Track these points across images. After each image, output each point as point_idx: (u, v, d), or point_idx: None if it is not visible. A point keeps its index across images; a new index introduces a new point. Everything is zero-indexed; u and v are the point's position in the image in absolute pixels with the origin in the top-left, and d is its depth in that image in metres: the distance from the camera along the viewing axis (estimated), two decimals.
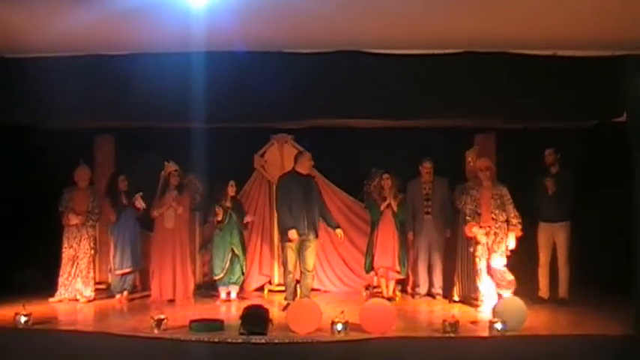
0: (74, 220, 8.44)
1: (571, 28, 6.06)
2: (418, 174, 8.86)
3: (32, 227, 8.94)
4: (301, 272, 8.04)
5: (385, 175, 8.67)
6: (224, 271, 8.60)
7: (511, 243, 7.82)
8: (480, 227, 7.82)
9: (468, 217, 7.95)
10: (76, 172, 8.62)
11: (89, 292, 8.49)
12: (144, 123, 8.14)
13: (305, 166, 8.06)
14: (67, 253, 8.48)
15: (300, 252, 7.91)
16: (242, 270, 8.73)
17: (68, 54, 6.64)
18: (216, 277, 8.70)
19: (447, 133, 9.09)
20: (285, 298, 8.03)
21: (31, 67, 6.71)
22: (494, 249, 7.77)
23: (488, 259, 7.78)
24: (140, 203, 8.58)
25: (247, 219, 8.88)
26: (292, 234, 7.72)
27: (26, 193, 8.93)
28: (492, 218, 7.82)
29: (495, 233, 7.80)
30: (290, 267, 7.93)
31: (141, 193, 8.62)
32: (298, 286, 8.09)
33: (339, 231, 8.20)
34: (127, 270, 8.58)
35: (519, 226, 7.85)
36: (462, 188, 8.30)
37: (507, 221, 7.84)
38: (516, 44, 6.57)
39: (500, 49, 6.63)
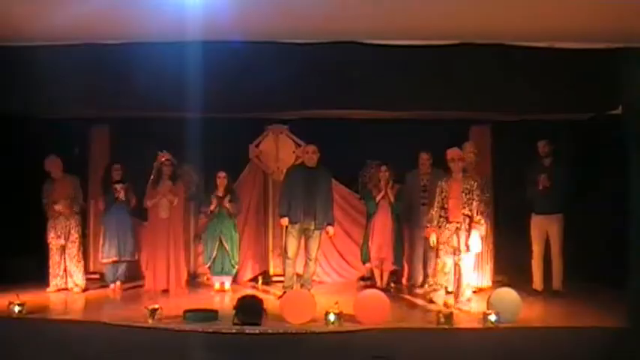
0: (58, 207, 8.40)
1: (568, 20, 6.03)
2: (416, 165, 8.84)
3: (28, 217, 8.89)
4: (305, 260, 8.17)
5: (383, 167, 8.66)
6: (211, 260, 8.68)
7: (474, 243, 7.16)
8: (450, 222, 7.25)
9: (430, 215, 7.52)
10: (46, 163, 8.49)
11: (80, 280, 8.49)
12: (139, 112, 8.10)
13: (307, 159, 8.13)
14: (54, 243, 8.47)
15: (305, 241, 8.08)
16: (231, 261, 8.72)
17: (65, 43, 6.59)
18: (205, 266, 8.86)
19: (445, 125, 9.08)
20: (284, 286, 8.07)
21: (27, 56, 6.65)
22: (460, 249, 7.24)
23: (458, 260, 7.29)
24: (121, 195, 8.54)
25: None
26: (284, 221, 8.02)
27: (21, 183, 8.89)
28: (464, 214, 7.20)
29: (467, 230, 7.21)
30: (290, 254, 8.01)
31: (123, 185, 8.57)
32: (297, 278, 8.13)
33: (330, 228, 8.21)
34: (114, 259, 8.52)
35: (483, 226, 7.24)
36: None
37: (470, 217, 7.17)
38: (513, 36, 6.54)
39: (496, 40, 6.61)
